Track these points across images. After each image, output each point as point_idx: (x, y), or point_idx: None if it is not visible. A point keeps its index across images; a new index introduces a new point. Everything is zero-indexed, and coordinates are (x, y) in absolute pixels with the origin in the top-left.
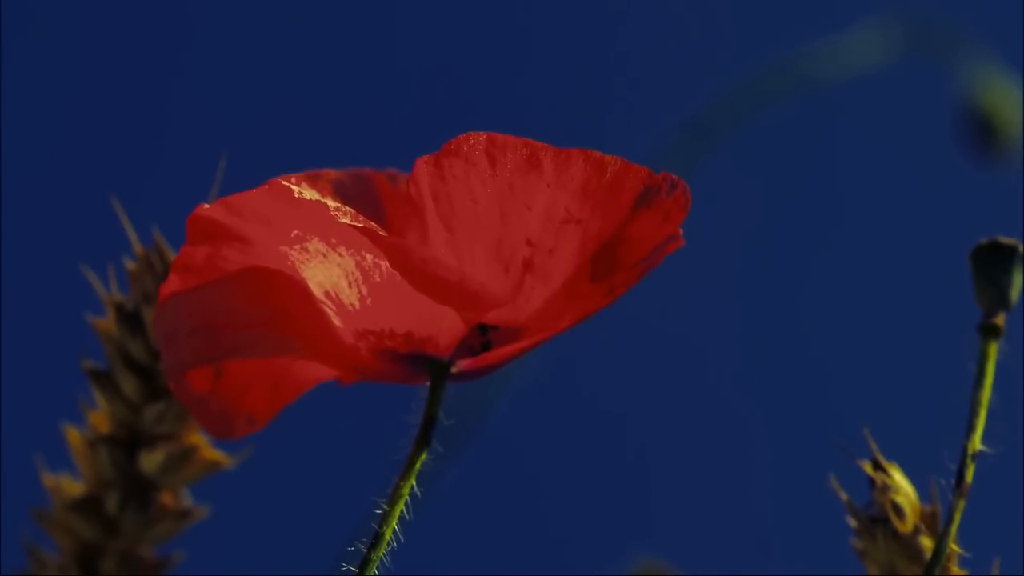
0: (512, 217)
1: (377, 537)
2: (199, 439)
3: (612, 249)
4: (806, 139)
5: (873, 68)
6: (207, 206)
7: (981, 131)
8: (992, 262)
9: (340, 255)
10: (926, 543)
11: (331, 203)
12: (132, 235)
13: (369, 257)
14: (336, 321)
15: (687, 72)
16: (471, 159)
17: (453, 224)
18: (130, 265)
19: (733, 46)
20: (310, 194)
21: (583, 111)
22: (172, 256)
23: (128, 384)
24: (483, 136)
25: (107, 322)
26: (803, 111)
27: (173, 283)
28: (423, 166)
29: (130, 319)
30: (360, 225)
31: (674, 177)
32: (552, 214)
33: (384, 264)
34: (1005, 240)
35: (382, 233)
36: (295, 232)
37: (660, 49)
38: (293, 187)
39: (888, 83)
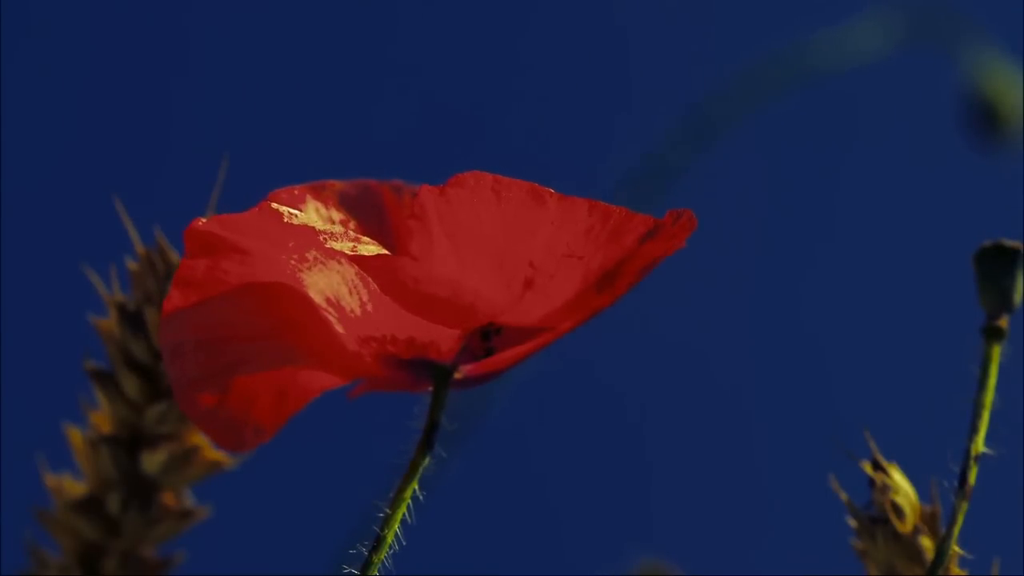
0: (515, 239)
1: (379, 540)
2: (201, 439)
3: (615, 269)
4: (808, 129)
5: (875, 57)
6: (203, 220)
7: (984, 118)
8: (996, 264)
9: (339, 262)
10: (926, 543)
11: (321, 226)
12: (134, 235)
13: None
14: (339, 328)
15: (688, 63)
16: (476, 191)
17: (457, 239)
18: (132, 265)
19: (735, 36)
20: (306, 214)
21: (585, 103)
22: (174, 256)
23: (130, 384)
24: (488, 176)
25: (109, 322)
26: (805, 101)
27: (175, 298)
28: (428, 194)
29: (132, 319)
30: (348, 251)
31: (679, 210)
32: (554, 248)
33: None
34: (1009, 243)
35: (371, 253)
36: (292, 242)
37: (662, 40)
38: (284, 209)
39: (891, 72)
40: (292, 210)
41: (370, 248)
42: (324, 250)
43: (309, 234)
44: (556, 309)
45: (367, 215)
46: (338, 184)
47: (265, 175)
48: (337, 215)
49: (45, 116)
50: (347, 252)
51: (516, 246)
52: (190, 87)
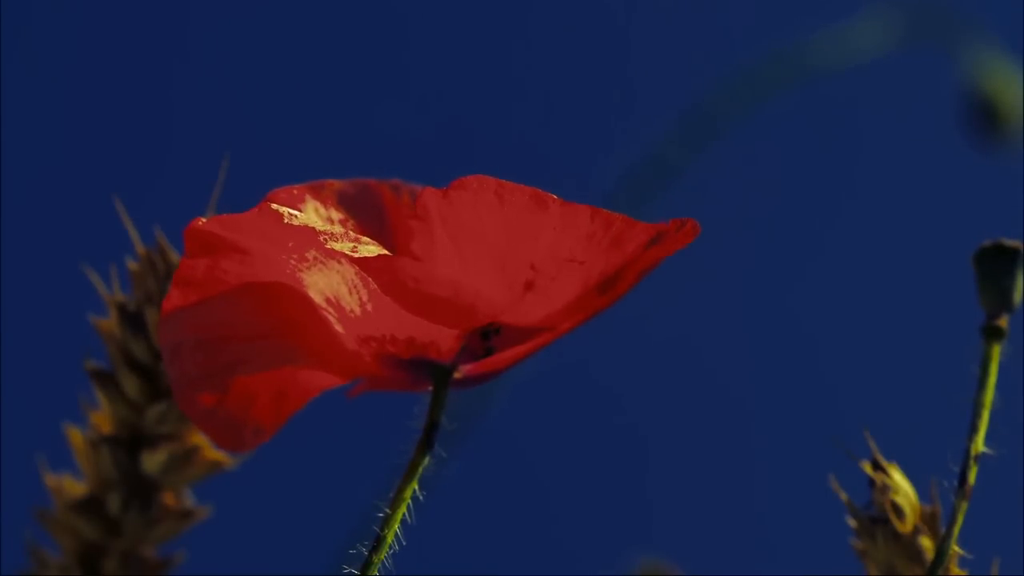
0: (517, 242)
1: (379, 540)
2: (201, 439)
3: (616, 274)
4: (808, 128)
5: (875, 55)
6: (203, 220)
7: (984, 117)
8: (996, 264)
9: (339, 262)
10: (926, 543)
11: (321, 226)
12: (134, 235)
13: None
14: (338, 328)
15: (689, 62)
16: (479, 194)
17: (460, 240)
18: (132, 265)
19: (735, 35)
20: (305, 214)
21: (586, 102)
22: (174, 256)
23: (130, 384)
24: (491, 180)
25: (109, 322)
26: (805, 100)
27: (174, 298)
28: (431, 195)
29: (132, 319)
30: (348, 251)
31: (683, 219)
32: (556, 252)
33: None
34: (1009, 242)
35: (371, 253)
36: (292, 242)
37: (662, 40)
38: (284, 210)
39: (890, 70)
40: (292, 210)
41: (370, 248)
42: (324, 250)
43: (309, 234)
44: (556, 311)
45: (366, 214)
46: (337, 183)
47: (265, 175)
48: (336, 215)
49: (45, 116)
50: (347, 252)
51: (518, 248)
52: (190, 87)
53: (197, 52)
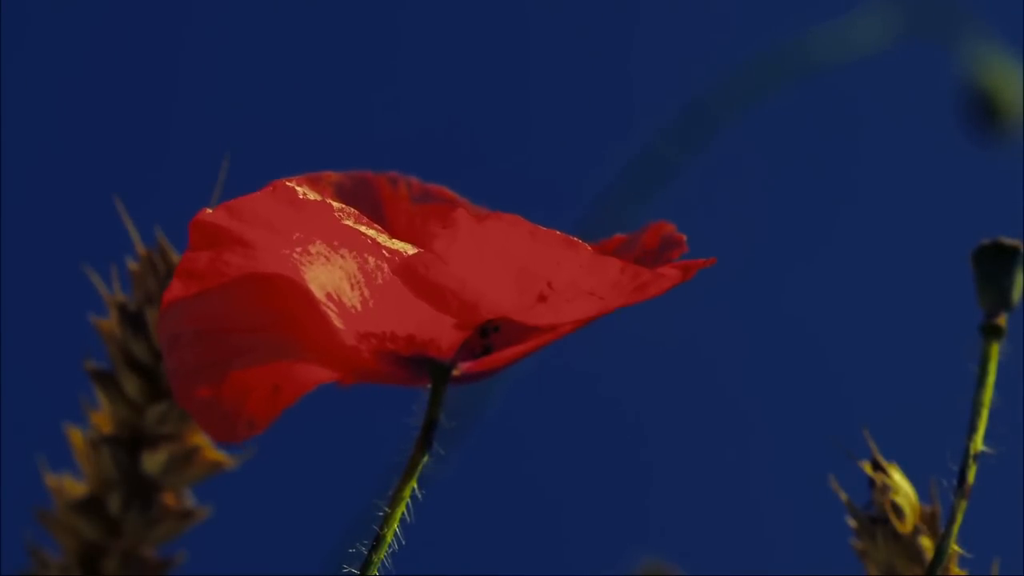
0: (540, 262)
1: (379, 539)
2: (201, 440)
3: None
4: (806, 124)
5: (874, 50)
6: (209, 211)
7: (983, 111)
8: (994, 263)
9: (342, 257)
10: (926, 543)
11: (335, 204)
12: (135, 235)
13: (371, 259)
14: (337, 323)
15: (687, 57)
16: (513, 226)
17: (483, 244)
18: (132, 265)
19: (734, 29)
20: (313, 196)
21: (585, 98)
22: (175, 256)
23: (130, 384)
24: (525, 220)
25: (110, 322)
26: (804, 95)
27: (176, 289)
28: (464, 214)
29: (132, 319)
30: (362, 229)
31: (705, 260)
32: (577, 284)
33: (386, 267)
34: (1007, 241)
35: (383, 238)
36: (297, 234)
37: (661, 36)
38: (296, 188)
39: (890, 65)
40: (304, 189)
41: (381, 236)
42: (332, 237)
43: (323, 212)
44: (563, 323)
45: (363, 207)
46: (334, 176)
47: (265, 175)
48: (337, 206)
49: (45, 116)
50: (362, 231)
51: (539, 267)
52: (190, 87)
53: (197, 52)
